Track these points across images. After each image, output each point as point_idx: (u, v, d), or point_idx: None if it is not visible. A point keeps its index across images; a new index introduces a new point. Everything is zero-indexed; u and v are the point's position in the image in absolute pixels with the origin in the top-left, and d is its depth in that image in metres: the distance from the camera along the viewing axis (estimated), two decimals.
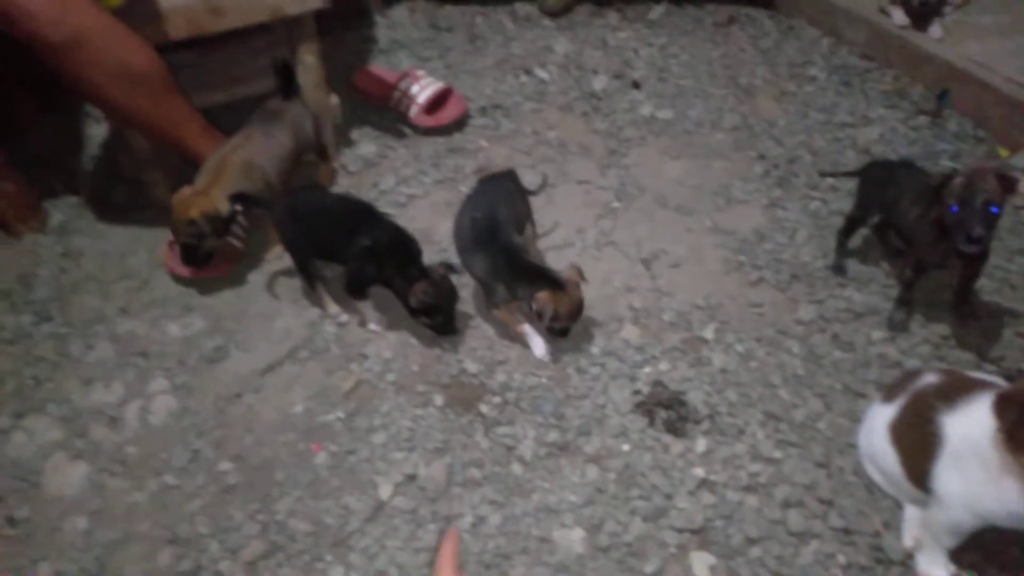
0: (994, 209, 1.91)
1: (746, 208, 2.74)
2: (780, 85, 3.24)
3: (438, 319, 2.32)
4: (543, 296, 2.20)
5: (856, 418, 2.10)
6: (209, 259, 2.53)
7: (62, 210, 2.92)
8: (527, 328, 2.35)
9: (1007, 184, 1.93)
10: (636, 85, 3.30)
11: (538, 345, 2.34)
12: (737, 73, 3.31)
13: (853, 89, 3.18)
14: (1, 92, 2.97)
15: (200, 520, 2.02)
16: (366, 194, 2.89)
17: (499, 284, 2.27)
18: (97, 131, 3.26)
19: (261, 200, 2.49)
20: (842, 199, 2.71)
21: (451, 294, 2.32)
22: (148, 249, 2.76)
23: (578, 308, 2.23)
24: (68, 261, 2.75)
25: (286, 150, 2.63)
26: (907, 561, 1.82)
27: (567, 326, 2.25)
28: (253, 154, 2.53)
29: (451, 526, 1.95)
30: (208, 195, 2.42)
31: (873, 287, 2.42)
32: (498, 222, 2.29)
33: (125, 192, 2.94)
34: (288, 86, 2.69)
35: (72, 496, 2.12)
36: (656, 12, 3.74)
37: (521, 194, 2.48)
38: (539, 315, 2.22)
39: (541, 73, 3.41)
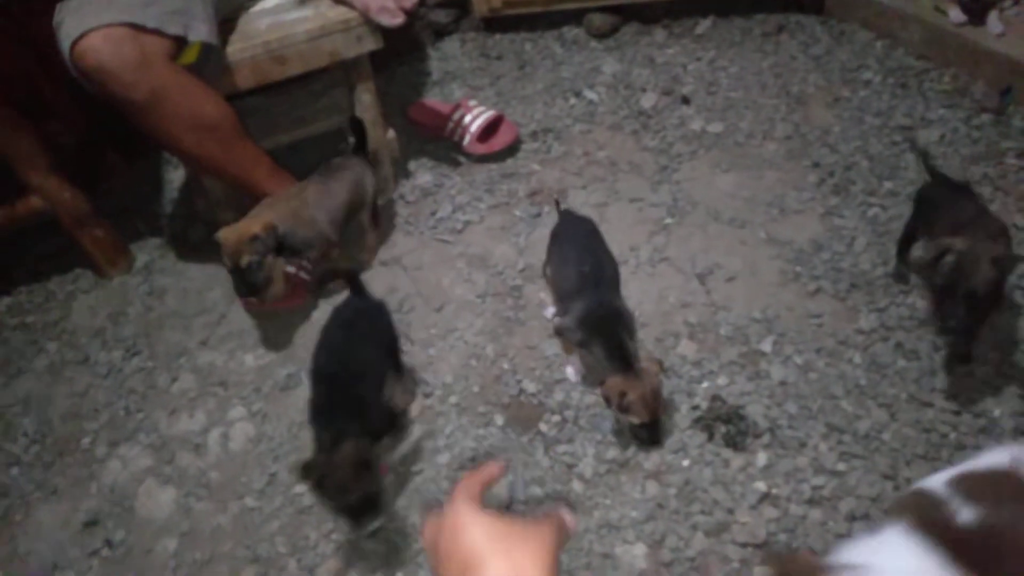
0: (980, 297, 1.79)
1: (801, 218, 2.71)
2: (833, 91, 3.20)
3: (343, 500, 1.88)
4: (614, 381, 2.04)
5: (923, 427, 2.05)
6: (269, 284, 2.56)
7: (146, 251, 3.14)
8: (574, 357, 2.38)
9: (1003, 266, 1.82)
10: (685, 100, 3.32)
11: (571, 370, 2.38)
12: (788, 82, 3.29)
13: (910, 91, 3.12)
14: (91, 147, 3.22)
15: (279, 540, 2.13)
16: (424, 224, 3.00)
17: (581, 331, 2.18)
18: (175, 176, 3.49)
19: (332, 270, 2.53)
20: (901, 204, 2.65)
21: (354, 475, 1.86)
22: (224, 285, 2.93)
23: (652, 398, 2.03)
24: (153, 299, 2.95)
25: (340, 201, 2.69)
26: None
27: (647, 422, 2.05)
28: (306, 202, 2.61)
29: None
30: (252, 220, 2.49)
31: None
32: (606, 276, 2.27)
33: (202, 232, 3.14)
34: (360, 141, 2.81)
35: (162, 519, 2.27)
36: (703, 26, 3.75)
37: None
38: (607, 400, 2.08)
39: (590, 94, 3.46)
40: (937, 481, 1.19)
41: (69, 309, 2.97)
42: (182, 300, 2.92)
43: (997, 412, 2.05)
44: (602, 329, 2.14)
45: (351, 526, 1.90)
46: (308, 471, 1.89)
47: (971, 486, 1.13)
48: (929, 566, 0.98)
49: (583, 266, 2.26)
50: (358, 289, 2.34)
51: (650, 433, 2.10)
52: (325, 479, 1.86)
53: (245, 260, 2.46)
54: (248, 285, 2.51)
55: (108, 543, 2.22)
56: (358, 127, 2.82)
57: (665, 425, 2.21)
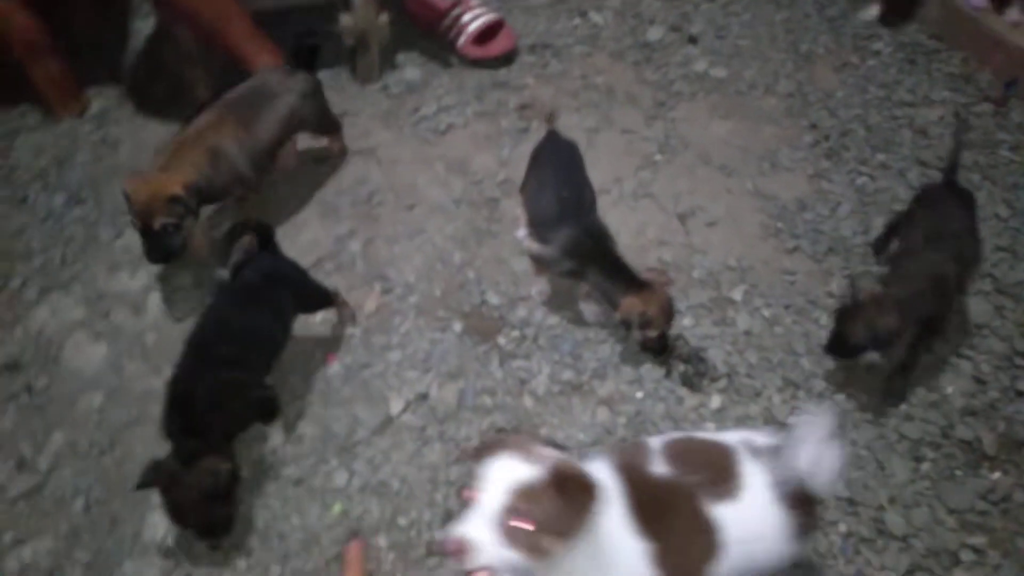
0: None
1: (791, 176, 2.66)
2: (842, 56, 3.12)
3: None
4: (630, 301, 1.97)
5: (877, 396, 2.07)
6: (184, 248, 2.17)
7: (103, 98, 2.92)
8: (541, 279, 2.28)
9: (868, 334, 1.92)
10: (693, 40, 3.20)
11: (587, 311, 2.25)
12: (799, 39, 3.20)
13: (918, 68, 3.06)
14: None
15: None
16: (405, 120, 2.85)
17: (569, 261, 2.10)
18: (144, 26, 3.23)
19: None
20: (891, 177, 2.63)
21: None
22: None
23: (670, 306, 2.01)
24: (105, 148, 2.75)
25: (267, 141, 2.30)
26: (908, 539, 1.80)
27: (663, 332, 2.03)
28: (224, 140, 2.22)
29: (355, 540, 1.82)
30: (169, 173, 2.11)
31: None
32: (585, 202, 2.18)
33: (166, 88, 2.92)
34: (309, 57, 2.42)
35: (91, 374, 2.15)
36: None
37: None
38: (626, 324, 2.02)
39: (596, 17, 3.31)
40: (657, 440, 1.42)
41: (11, 144, 2.75)
42: (136, 155, 2.73)
43: (950, 390, 2.07)
44: (596, 254, 2.07)
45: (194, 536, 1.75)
46: (155, 472, 1.66)
47: (679, 451, 1.38)
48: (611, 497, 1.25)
49: (563, 191, 2.15)
50: (271, 247, 2.04)
51: (662, 342, 2.06)
52: (171, 491, 1.65)
53: (159, 222, 2.03)
54: (161, 251, 2.10)
55: (28, 389, 2.10)
56: (309, 48, 2.40)
57: (624, 355, 2.18)
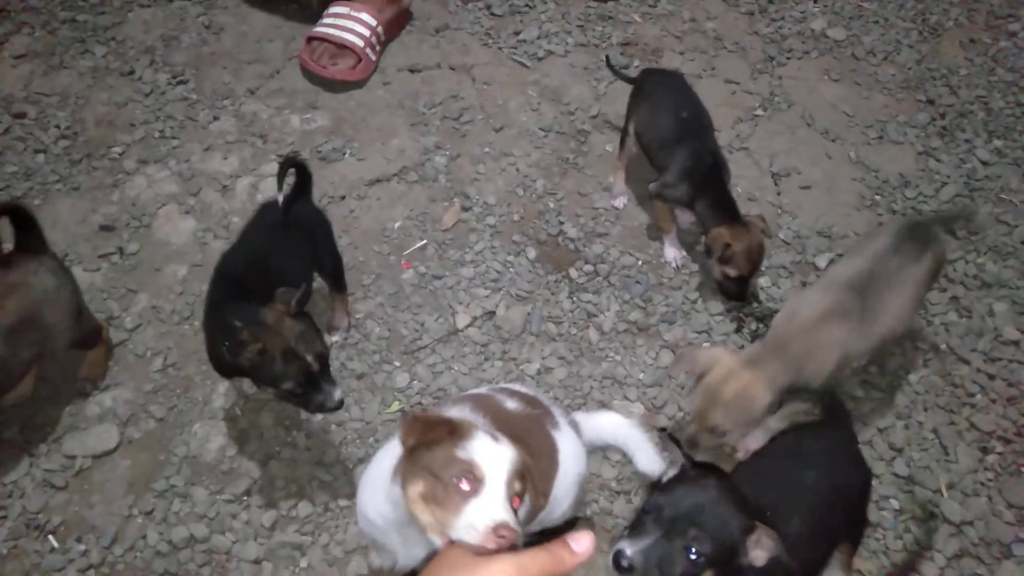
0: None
1: (897, 149, 2.54)
2: (973, 32, 2.93)
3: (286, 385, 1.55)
4: (719, 231, 1.95)
5: (952, 381, 2.00)
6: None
7: None
8: (672, 236, 2.23)
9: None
10: None
11: (670, 250, 2.23)
12: (929, 8, 3.00)
13: None
14: None
15: None
16: (504, 41, 2.81)
17: (685, 184, 2.07)
18: None
19: None
20: (1005, 166, 2.48)
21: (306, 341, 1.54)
22: (285, 40, 2.78)
23: (757, 252, 1.97)
24: (209, 33, 2.80)
25: None
26: (962, 526, 1.76)
27: (743, 276, 1.99)
28: None
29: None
30: None
31: (1012, 261, 2.24)
32: (705, 127, 2.13)
33: None
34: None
35: (178, 245, 2.24)
36: None
37: None
38: (708, 250, 1.99)
39: None
40: (489, 388, 1.61)
41: (124, 18, 2.82)
42: (239, 43, 2.76)
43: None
44: (708, 181, 2.04)
45: (309, 407, 1.59)
46: (240, 343, 1.46)
47: (519, 396, 1.55)
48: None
49: (681, 112, 2.11)
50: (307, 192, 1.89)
51: (740, 287, 2.03)
52: (267, 348, 1.48)
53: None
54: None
55: (120, 251, 2.20)
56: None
57: (696, 305, 2.15)
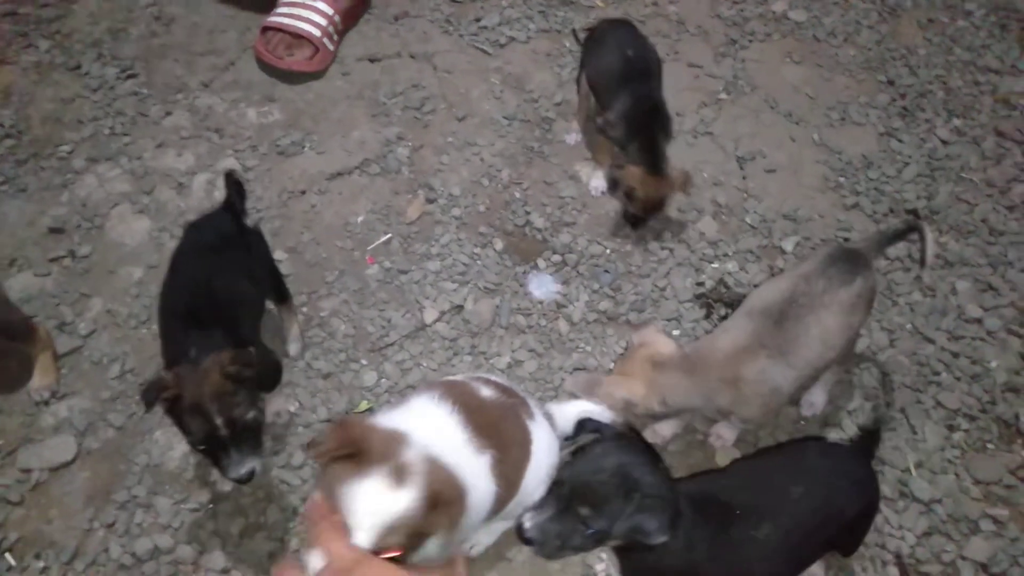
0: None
1: (859, 131, 2.55)
2: (931, 12, 2.94)
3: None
4: (633, 171, 2.07)
5: (918, 360, 2.02)
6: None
7: None
8: (603, 170, 2.31)
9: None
10: None
11: (598, 182, 2.32)
12: None
13: (1009, 35, 2.88)
14: None
15: None
16: (465, 28, 2.76)
17: (623, 125, 2.12)
18: None
19: None
20: (964, 145, 2.51)
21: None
22: (239, 31, 2.69)
23: (655, 204, 2.10)
24: (159, 25, 2.70)
25: None
26: (931, 504, 1.79)
27: (639, 216, 2.14)
28: None
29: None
30: None
31: (974, 239, 2.27)
32: (650, 72, 2.17)
33: None
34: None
35: (132, 246, 2.16)
36: None
37: None
38: (614, 182, 2.11)
39: None
40: (466, 376, 1.54)
41: (68, 10, 2.70)
42: (191, 34, 2.67)
43: (994, 364, 2.02)
44: (643, 126, 2.09)
45: (217, 467, 1.47)
46: (154, 389, 1.40)
47: (493, 385, 1.49)
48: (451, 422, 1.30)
49: (628, 50, 2.15)
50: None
51: (635, 222, 2.18)
52: (183, 396, 1.40)
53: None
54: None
55: (72, 254, 2.12)
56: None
57: (665, 292, 2.14)
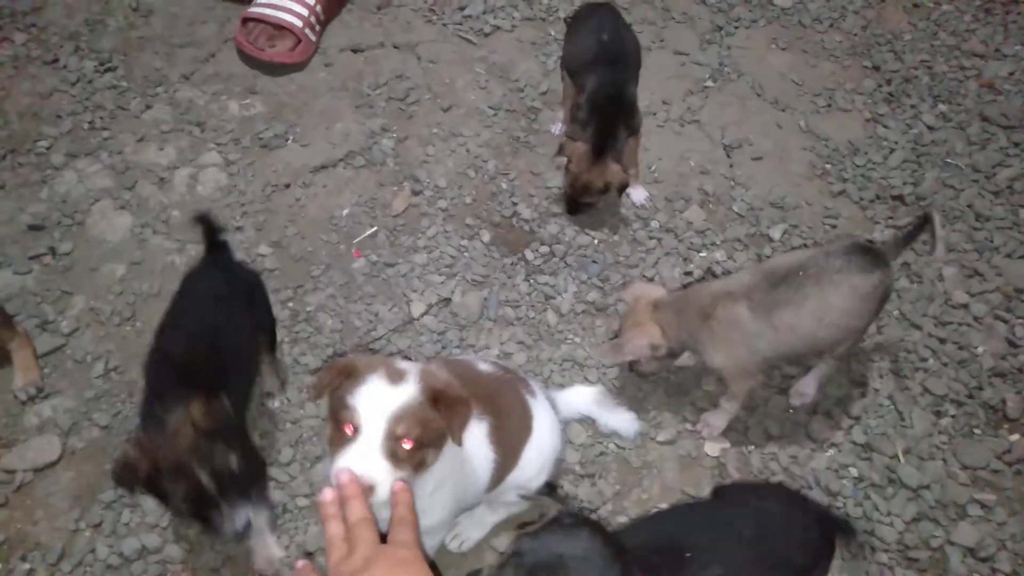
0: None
1: (846, 117, 2.55)
2: None
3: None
4: (576, 146, 2.08)
5: (905, 347, 2.03)
6: None
7: None
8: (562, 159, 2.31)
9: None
10: None
11: (559, 161, 2.29)
12: None
13: (994, 19, 2.88)
14: None
15: None
16: (449, 17, 2.72)
17: (587, 108, 2.11)
18: None
19: None
20: (949, 130, 2.51)
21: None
22: (219, 22, 2.65)
23: (584, 186, 2.09)
24: (137, 16, 2.65)
25: None
26: (919, 491, 1.80)
27: (569, 195, 2.15)
28: None
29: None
30: None
31: (960, 225, 2.28)
32: (622, 59, 2.17)
33: None
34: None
35: (114, 243, 2.13)
36: None
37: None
38: (560, 148, 2.16)
39: None
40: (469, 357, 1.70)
41: (44, 2, 2.65)
42: (170, 26, 2.63)
43: (981, 349, 2.02)
44: (602, 112, 2.08)
45: (209, 529, 1.37)
46: (127, 471, 1.29)
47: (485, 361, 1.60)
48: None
49: (603, 35, 2.14)
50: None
51: (570, 205, 2.19)
52: (159, 465, 1.28)
53: None
54: None
55: (53, 251, 2.09)
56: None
57: (653, 282, 2.14)
